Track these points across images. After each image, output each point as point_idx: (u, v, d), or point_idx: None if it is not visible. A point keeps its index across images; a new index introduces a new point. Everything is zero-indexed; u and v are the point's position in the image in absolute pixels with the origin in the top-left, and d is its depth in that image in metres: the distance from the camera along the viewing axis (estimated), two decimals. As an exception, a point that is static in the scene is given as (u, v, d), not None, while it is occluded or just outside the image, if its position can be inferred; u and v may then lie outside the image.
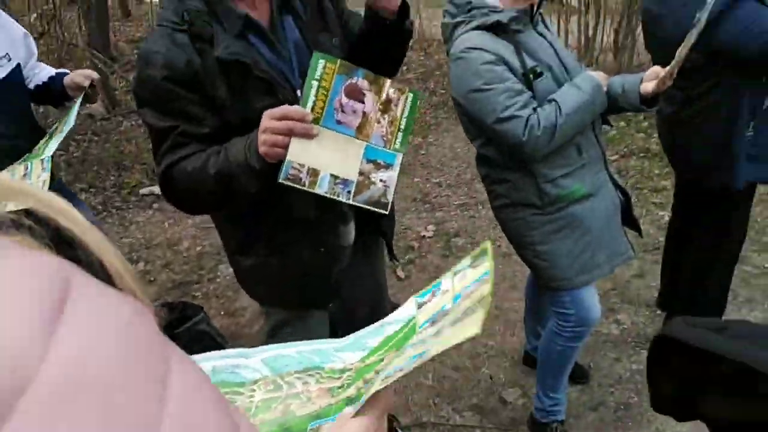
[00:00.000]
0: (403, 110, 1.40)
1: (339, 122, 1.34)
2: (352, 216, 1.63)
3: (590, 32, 7.50)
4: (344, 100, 1.33)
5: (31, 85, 2.23)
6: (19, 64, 2.14)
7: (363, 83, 1.35)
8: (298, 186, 1.31)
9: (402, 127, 1.40)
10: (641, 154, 4.60)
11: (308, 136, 1.29)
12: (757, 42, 1.86)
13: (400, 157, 1.40)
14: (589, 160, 1.87)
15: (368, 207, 1.38)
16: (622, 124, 5.14)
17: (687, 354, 0.67)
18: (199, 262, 3.65)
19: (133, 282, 0.34)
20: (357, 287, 1.82)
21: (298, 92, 1.39)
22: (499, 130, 1.75)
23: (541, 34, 1.88)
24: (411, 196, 4.28)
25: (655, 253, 3.20)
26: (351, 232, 1.65)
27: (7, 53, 2.10)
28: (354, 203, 1.37)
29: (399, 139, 1.40)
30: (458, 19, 1.85)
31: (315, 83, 1.31)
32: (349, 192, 1.36)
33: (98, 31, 6.50)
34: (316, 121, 1.31)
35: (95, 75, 2.17)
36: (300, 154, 1.30)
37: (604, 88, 1.81)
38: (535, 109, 1.74)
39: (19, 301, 0.25)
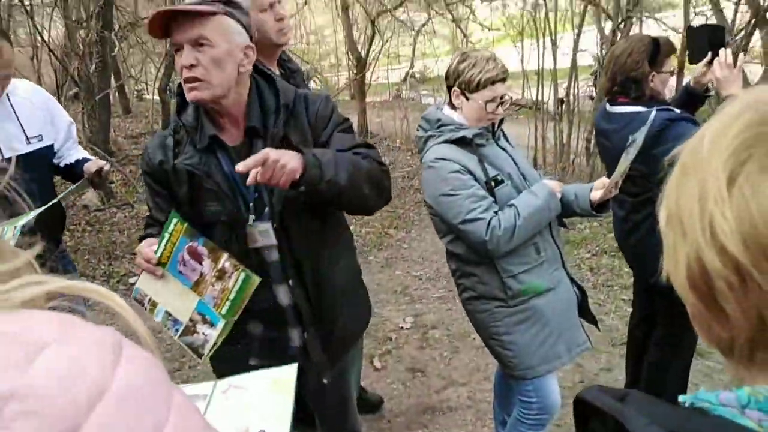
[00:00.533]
0: (234, 284, 1.54)
1: (181, 272, 1.58)
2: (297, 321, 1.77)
3: (564, 138, 8.01)
4: (186, 257, 1.57)
5: (62, 164, 2.50)
6: (51, 145, 2.44)
7: (203, 249, 1.57)
8: (142, 306, 1.64)
9: (231, 297, 1.55)
10: (612, 253, 4.85)
11: (153, 275, 1.61)
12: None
13: (223, 323, 1.57)
14: (547, 258, 2.08)
15: (188, 349, 1.63)
16: (595, 224, 5.44)
17: (599, 415, 0.83)
18: (180, 350, 3.73)
19: (153, 345, 0.53)
20: (320, 402, 1.92)
21: (251, 205, 1.62)
22: (464, 230, 1.97)
23: (502, 148, 2.14)
24: (392, 289, 4.45)
25: (623, 348, 3.34)
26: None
27: (40, 134, 2.39)
28: (178, 341, 1.63)
29: (226, 307, 1.56)
30: (429, 133, 2.11)
31: (167, 235, 1.59)
32: (177, 330, 1.62)
33: (100, 128, 6.86)
34: (163, 265, 1.59)
35: (104, 166, 2.42)
36: (146, 285, 1.65)
37: (558, 195, 2.05)
38: (496, 213, 1.97)
39: (96, 349, 0.41)
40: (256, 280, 1.54)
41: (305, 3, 8.23)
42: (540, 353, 2.07)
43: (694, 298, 0.54)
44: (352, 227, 5.53)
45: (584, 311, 2.20)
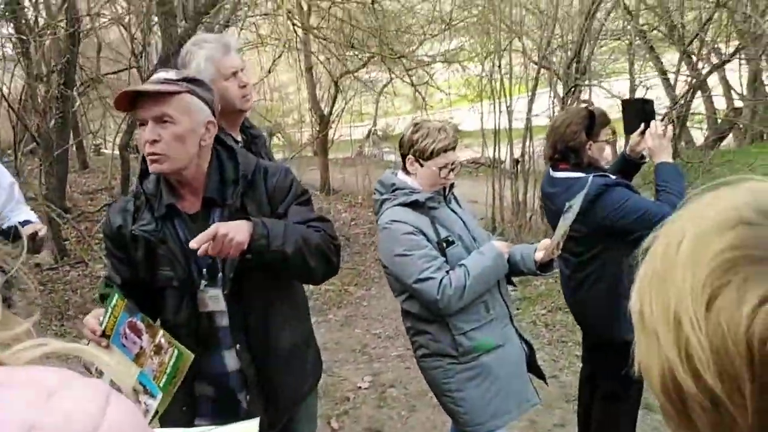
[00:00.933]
0: (170, 359, 1.59)
1: (123, 345, 1.64)
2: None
3: (521, 196, 8.28)
4: (127, 331, 1.64)
5: (5, 226, 2.51)
6: None
7: (141, 325, 1.63)
8: (90, 373, 1.67)
9: (167, 371, 1.59)
10: (566, 310, 4.96)
11: (98, 344, 1.65)
12: (627, 219, 2.29)
13: (161, 395, 1.61)
14: (496, 316, 2.17)
15: None
16: (551, 281, 5.58)
17: None
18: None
19: (132, 396, 0.60)
20: None
21: (204, 271, 1.68)
22: (417, 289, 2.06)
23: (453, 210, 2.25)
24: (350, 347, 4.46)
25: (576, 404, 3.41)
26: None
27: None
28: None
29: (164, 380, 1.61)
30: (385, 196, 2.22)
31: (110, 309, 1.65)
32: None
33: (56, 184, 6.79)
34: (108, 336, 1.64)
35: (41, 230, 2.43)
36: (94, 354, 1.64)
37: (506, 256, 2.16)
38: (447, 272, 2.06)
39: (91, 395, 0.49)
40: (190, 356, 1.57)
41: (269, 72, 8.45)
42: (490, 409, 2.12)
43: (666, 402, 0.53)
44: (310, 285, 5.56)
45: (533, 367, 2.28)
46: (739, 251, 0.48)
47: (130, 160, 5.75)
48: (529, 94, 8.27)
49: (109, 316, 1.64)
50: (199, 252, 1.49)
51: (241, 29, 7.77)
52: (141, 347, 1.61)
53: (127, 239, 1.69)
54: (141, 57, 5.61)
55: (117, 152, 8.29)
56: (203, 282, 1.68)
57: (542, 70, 8.00)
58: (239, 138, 2.20)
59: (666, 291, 0.51)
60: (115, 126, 9.55)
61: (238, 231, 1.52)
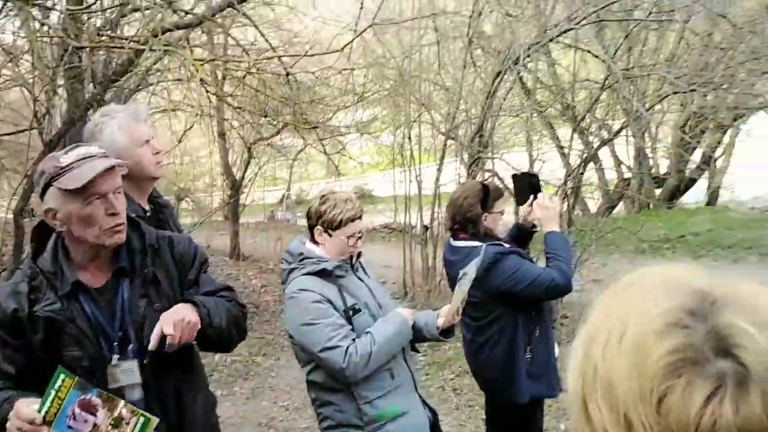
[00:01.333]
0: (133, 429, 1.58)
1: (70, 427, 1.58)
2: None
3: (430, 262, 8.51)
4: (77, 410, 1.59)
5: None
6: None
7: (96, 400, 1.60)
8: None
9: None
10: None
11: None
12: (520, 286, 2.45)
13: None
14: (401, 383, 2.23)
15: None
16: (458, 345, 5.71)
17: None
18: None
19: None
20: None
21: (115, 344, 1.65)
22: (324, 358, 2.09)
23: (360, 278, 2.33)
24: (257, 421, 4.32)
25: (483, 467, 3.47)
26: None
27: None
28: None
29: None
30: (293, 265, 2.27)
31: (53, 392, 1.58)
32: None
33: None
34: (49, 423, 1.57)
35: None
36: None
37: (410, 322, 2.25)
38: (353, 340, 2.11)
39: None
40: (155, 420, 1.56)
41: (179, 141, 8.39)
42: (397, 477, 2.14)
43: None
44: (216, 357, 5.38)
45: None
46: (679, 355, 0.51)
47: (23, 227, 5.44)
48: (438, 163, 8.69)
49: (53, 400, 1.54)
50: (156, 347, 1.55)
51: (152, 94, 7.73)
52: (95, 425, 1.55)
53: (24, 323, 1.61)
54: (44, 119, 5.44)
55: (11, 216, 7.79)
56: (115, 356, 1.64)
57: (449, 141, 8.45)
58: (147, 207, 2.20)
59: (614, 394, 0.54)
60: (10, 189, 9.02)
61: (189, 314, 1.59)
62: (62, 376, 1.56)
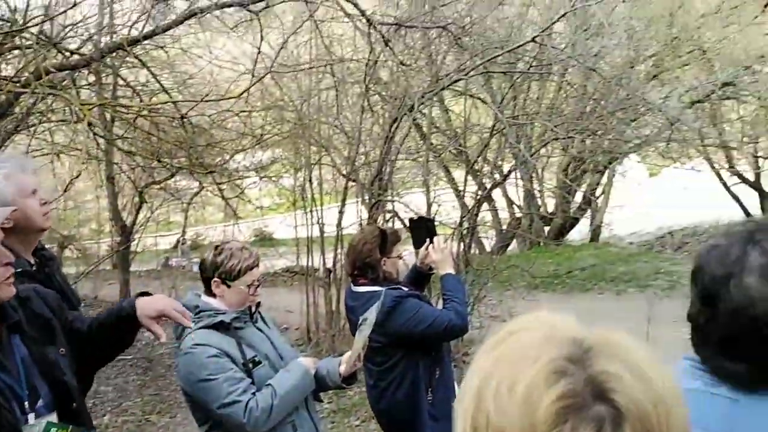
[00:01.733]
0: None
1: None
2: None
3: (334, 305, 8.45)
4: None
5: None
6: None
7: None
8: None
9: None
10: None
11: None
12: (419, 328, 2.51)
13: None
14: (303, 435, 2.18)
15: None
16: (364, 390, 5.67)
17: None
18: None
19: None
20: None
21: (25, 404, 1.52)
22: (223, 414, 2.01)
23: (259, 329, 2.28)
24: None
25: None
26: None
27: None
28: None
29: None
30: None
31: None
32: None
33: None
34: None
35: None
36: None
37: (312, 372, 2.22)
38: (254, 394, 2.05)
39: None
40: None
41: (64, 190, 7.93)
42: None
43: None
44: (106, 417, 4.99)
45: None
46: (565, 401, 0.55)
47: None
48: (340, 204, 8.74)
49: None
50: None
51: (33, 137, 7.26)
52: None
53: None
54: None
55: None
56: (31, 415, 1.51)
57: (350, 183, 8.54)
58: (32, 260, 2.08)
59: None
60: None
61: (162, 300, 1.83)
62: (53, 429, 1.48)
